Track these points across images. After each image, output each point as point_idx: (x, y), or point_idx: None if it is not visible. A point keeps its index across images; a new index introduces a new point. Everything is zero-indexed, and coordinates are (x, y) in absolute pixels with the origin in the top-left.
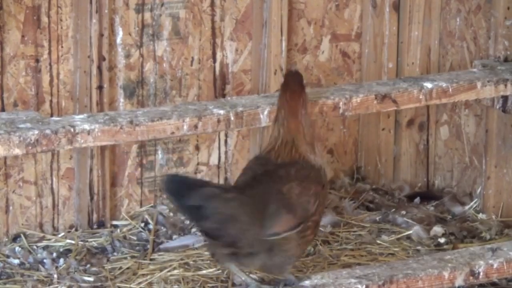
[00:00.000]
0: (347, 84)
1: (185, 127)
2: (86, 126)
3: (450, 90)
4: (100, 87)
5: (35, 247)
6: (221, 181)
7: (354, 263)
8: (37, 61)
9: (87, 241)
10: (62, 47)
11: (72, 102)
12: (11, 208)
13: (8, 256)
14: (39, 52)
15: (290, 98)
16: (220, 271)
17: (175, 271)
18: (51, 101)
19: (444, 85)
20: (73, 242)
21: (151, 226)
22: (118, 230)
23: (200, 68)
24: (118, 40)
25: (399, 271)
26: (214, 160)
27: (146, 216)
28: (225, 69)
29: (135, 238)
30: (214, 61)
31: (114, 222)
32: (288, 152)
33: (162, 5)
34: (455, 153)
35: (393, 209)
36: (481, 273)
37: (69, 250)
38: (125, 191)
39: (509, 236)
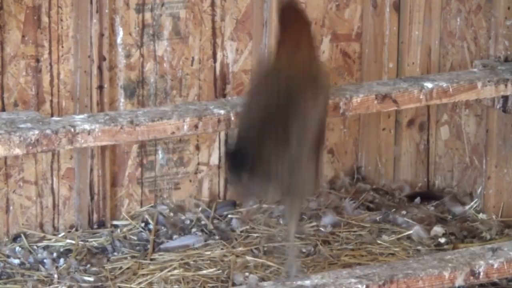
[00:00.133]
0: (348, 84)
1: (185, 127)
2: (87, 126)
3: (451, 90)
4: (100, 87)
5: (35, 247)
6: (221, 182)
7: (354, 263)
8: (38, 61)
9: (87, 241)
10: (62, 47)
11: (73, 102)
12: (11, 208)
13: (8, 256)
14: (39, 52)
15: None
16: (220, 271)
17: (176, 271)
18: (51, 101)
19: (444, 85)
20: (73, 242)
21: (151, 226)
22: (119, 230)
23: (201, 68)
24: (119, 40)
25: (399, 271)
26: (214, 160)
27: (147, 216)
28: (225, 69)
29: (135, 238)
30: (215, 61)
31: (115, 222)
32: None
33: (163, 5)
34: (456, 153)
35: (394, 209)
36: (482, 273)
37: (70, 250)
38: (125, 191)
39: (510, 236)
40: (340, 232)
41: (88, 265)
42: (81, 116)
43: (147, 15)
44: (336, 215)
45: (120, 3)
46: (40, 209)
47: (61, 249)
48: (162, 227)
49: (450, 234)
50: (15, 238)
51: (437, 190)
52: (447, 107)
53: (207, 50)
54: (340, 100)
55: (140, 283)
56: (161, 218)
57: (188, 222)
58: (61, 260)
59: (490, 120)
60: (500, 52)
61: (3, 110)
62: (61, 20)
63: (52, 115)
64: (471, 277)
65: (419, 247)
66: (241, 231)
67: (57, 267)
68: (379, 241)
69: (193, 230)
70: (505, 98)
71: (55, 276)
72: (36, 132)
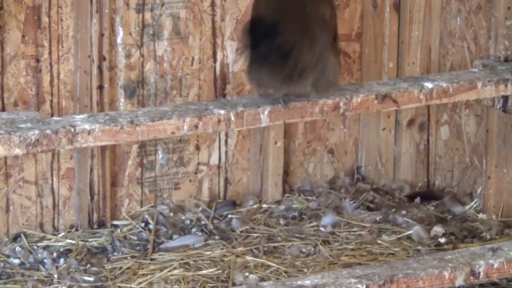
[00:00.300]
0: (348, 84)
1: (185, 127)
2: (87, 126)
3: (451, 90)
4: (100, 87)
5: (35, 247)
6: (221, 182)
7: (354, 263)
8: (38, 61)
9: (87, 241)
10: (62, 47)
11: (73, 102)
12: (11, 208)
13: (8, 256)
14: (39, 52)
15: None
16: (220, 271)
17: (176, 271)
18: (51, 101)
19: (444, 85)
20: (73, 242)
21: (151, 226)
22: (119, 230)
23: (201, 68)
24: (119, 40)
25: (399, 271)
26: (214, 160)
27: (147, 216)
28: (225, 69)
29: (135, 238)
30: (215, 61)
31: (115, 222)
32: None
33: (163, 5)
34: (456, 153)
35: (394, 209)
36: (482, 273)
37: (70, 250)
38: (125, 191)
39: (510, 236)
40: (340, 232)
41: (88, 265)
42: (81, 116)
43: (147, 15)
44: (336, 215)
45: (120, 3)
46: (40, 209)
47: (61, 249)
48: (162, 227)
49: (450, 234)
50: (15, 238)
51: (437, 190)
52: (447, 107)
53: (207, 50)
54: (340, 100)
55: (140, 283)
56: (161, 218)
57: (188, 222)
58: (61, 260)
59: (490, 120)
60: (500, 52)
61: (3, 110)
62: (61, 20)
63: (52, 115)
64: (471, 277)
65: (419, 247)
66: (241, 231)
67: (57, 267)
68: (379, 241)
69: (193, 230)
70: (505, 98)
71: (55, 276)
72: (36, 132)
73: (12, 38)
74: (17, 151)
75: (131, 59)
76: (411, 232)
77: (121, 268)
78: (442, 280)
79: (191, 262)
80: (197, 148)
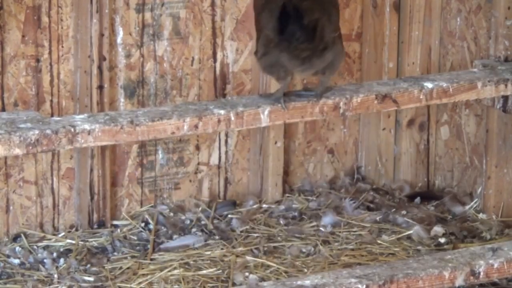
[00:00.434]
0: (348, 84)
1: (185, 127)
2: (87, 126)
3: (451, 90)
4: (100, 87)
5: (35, 247)
6: (221, 182)
7: (354, 263)
8: (38, 61)
9: (87, 241)
10: (62, 47)
11: (73, 102)
12: (11, 208)
13: (8, 256)
14: (39, 52)
15: None
16: (220, 271)
17: (176, 271)
18: (51, 101)
19: (444, 85)
20: (73, 242)
21: (151, 226)
22: (119, 230)
23: (201, 68)
24: (119, 40)
25: (399, 271)
26: (214, 160)
27: (147, 216)
28: (225, 69)
29: (135, 238)
30: (215, 61)
31: (115, 222)
32: None
33: (163, 5)
34: (456, 153)
35: (394, 209)
36: (482, 273)
37: (70, 250)
38: (125, 191)
39: (510, 236)
40: (340, 232)
41: (88, 265)
42: (81, 116)
43: (147, 15)
44: (336, 215)
45: (120, 3)
46: (40, 209)
47: (61, 249)
48: (162, 227)
49: (450, 234)
50: (15, 238)
51: (437, 190)
52: (447, 107)
53: (207, 50)
54: (340, 100)
55: (140, 283)
56: (161, 218)
57: (188, 222)
58: (61, 260)
59: (490, 120)
60: (500, 52)
61: (3, 110)
62: (61, 20)
63: (52, 115)
64: (471, 277)
65: (419, 247)
66: (241, 231)
67: (57, 267)
68: (379, 241)
69: (193, 230)
70: (505, 98)
71: (55, 276)
72: (36, 132)
73: (12, 38)
74: (17, 151)
75: (131, 59)
76: (411, 232)
77: (121, 268)
78: (442, 280)
79: (191, 262)
80: (197, 148)
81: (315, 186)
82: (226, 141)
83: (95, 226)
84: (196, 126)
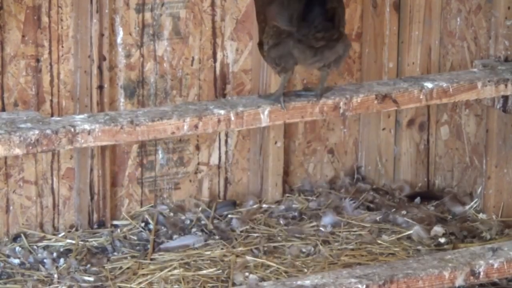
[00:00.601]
0: (348, 84)
1: (185, 127)
2: (87, 126)
3: (451, 90)
4: (100, 87)
5: (35, 247)
6: (221, 182)
7: (354, 263)
8: (38, 61)
9: (87, 241)
10: (62, 47)
11: (73, 102)
12: (11, 208)
13: (8, 256)
14: (39, 52)
15: None
16: (220, 271)
17: (175, 271)
18: (51, 101)
19: (444, 85)
20: (73, 242)
21: (151, 226)
22: (119, 230)
23: (201, 68)
24: (119, 40)
25: (399, 271)
26: (214, 160)
27: (147, 216)
28: (225, 69)
29: (135, 238)
30: (215, 61)
31: (115, 222)
32: None
33: (163, 5)
34: (456, 153)
35: (394, 209)
36: (482, 273)
37: (70, 250)
38: (125, 191)
39: (510, 236)
40: (340, 232)
41: (88, 265)
42: (81, 116)
43: (147, 15)
44: (336, 215)
45: (120, 3)
46: (40, 209)
47: (61, 249)
48: (162, 227)
49: (450, 234)
50: (15, 238)
51: (437, 190)
52: (447, 107)
53: (207, 50)
54: (340, 100)
55: (140, 283)
56: (161, 218)
57: (188, 222)
58: (61, 260)
59: (490, 120)
60: (500, 52)
61: (3, 110)
62: (61, 20)
63: (52, 115)
64: (471, 277)
65: (419, 247)
66: (241, 231)
67: (57, 267)
68: (379, 241)
69: (193, 230)
70: (505, 98)
71: (55, 276)
72: (36, 132)
73: (12, 38)
74: (17, 151)
75: (131, 59)
76: (411, 232)
77: (121, 268)
78: (442, 280)
79: (191, 262)
80: (197, 148)
81: (315, 186)
82: (226, 141)
83: (95, 226)
84: (196, 126)
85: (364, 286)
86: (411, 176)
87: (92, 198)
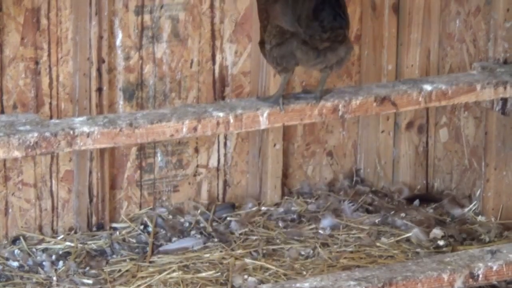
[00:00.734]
0: (347, 87)
1: (184, 129)
2: (86, 129)
3: (450, 92)
4: (99, 90)
5: (34, 249)
6: (220, 184)
7: (353, 265)
8: (37, 63)
9: (86, 243)
10: (61, 49)
11: (72, 104)
12: (10, 210)
13: (7, 259)
14: (38, 54)
15: None
16: (219, 273)
17: (174, 274)
18: (50, 103)
19: (443, 87)
20: (72, 244)
21: (150, 229)
22: (117, 232)
23: (200, 70)
24: (118, 42)
25: (398, 274)
26: (213, 162)
27: (145, 219)
28: (224, 71)
29: (134, 240)
30: (214, 63)
31: (114, 225)
32: None
33: (162, 7)
34: (455, 156)
35: (393, 212)
36: (481, 276)
37: (68, 253)
38: (124, 193)
39: (509, 239)
40: (339, 234)
41: (87, 268)
42: (80, 118)
43: (146, 17)
44: (335, 217)
45: (119, 5)
46: (39, 211)
47: (60, 252)
48: (161, 230)
49: (449, 237)
50: (14, 241)
51: (436, 192)
52: (446, 110)
53: (206, 52)
54: (339, 103)
55: (139, 285)
56: (160, 221)
57: (187, 224)
58: (60, 263)
59: (489, 122)
60: (499, 54)
61: (2, 112)
62: (60, 22)
63: (51, 118)
64: (470, 280)
65: (418, 250)
66: (240, 234)
67: (56, 270)
68: (378, 244)
69: (192, 232)
70: (504, 100)
71: (54, 278)
72: (35, 134)
73: (11, 41)
74: (16, 154)
75: (130, 61)
76: (410, 234)
77: (120, 270)
78: (441, 283)
79: (190, 265)
80: (196, 150)
81: (314, 188)
82: (225, 144)
83: (94, 229)
84: (195, 129)
85: None
86: (410, 179)
87: (91, 201)
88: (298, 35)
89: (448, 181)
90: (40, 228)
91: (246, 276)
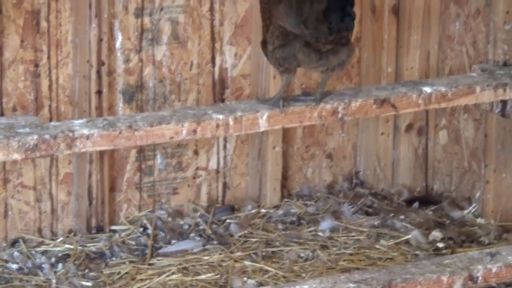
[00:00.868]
0: (346, 89)
1: (184, 131)
2: (85, 131)
3: (449, 94)
4: (99, 92)
5: (33, 252)
6: (220, 186)
7: (352, 267)
8: (36, 65)
9: (85, 246)
10: (61, 51)
11: (71, 107)
12: (10, 213)
13: (6, 261)
14: (38, 57)
15: None
16: (218, 276)
17: (174, 276)
18: (50, 106)
19: (443, 89)
20: (71, 247)
21: (149, 231)
22: (117, 235)
23: (199, 72)
24: (117, 45)
25: (397, 276)
26: (213, 164)
27: (145, 221)
28: (224, 74)
29: (133, 243)
30: (213, 66)
31: (113, 227)
32: None
33: (162, 9)
34: (454, 158)
35: (392, 214)
36: (480, 278)
37: (68, 255)
38: (124, 196)
39: (508, 241)
40: (338, 236)
41: (87, 270)
42: (80, 121)
43: (146, 20)
44: (335, 219)
45: (119, 8)
46: (38, 214)
47: (60, 254)
48: (161, 232)
49: (448, 239)
50: (14, 243)
51: (435, 194)
52: (445, 112)
53: (206, 55)
54: (338, 105)
55: None
56: (159, 223)
57: (186, 227)
58: (60, 265)
59: (488, 125)
60: (499, 57)
61: (2, 115)
62: (60, 24)
63: (51, 120)
64: (469, 282)
65: (418, 252)
66: (240, 236)
67: (55, 272)
68: (377, 246)
69: (192, 235)
70: (504, 103)
71: (53, 281)
72: (35, 137)
73: (11, 43)
74: (16, 156)
75: (130, 63)
76: (409, 236)
77: (119, 273)
78: (440, 285)
79: (190, 267)
80: (196, 153)
81: (314, 191)
82: (224, 146)
83: (94, 231)
84: (194, 131)
85: None
86: (410, 181)
87: (90, 203)
88: (301, 37)
89: (448, 183)
90: (40, 231)
91: (245, 279)
